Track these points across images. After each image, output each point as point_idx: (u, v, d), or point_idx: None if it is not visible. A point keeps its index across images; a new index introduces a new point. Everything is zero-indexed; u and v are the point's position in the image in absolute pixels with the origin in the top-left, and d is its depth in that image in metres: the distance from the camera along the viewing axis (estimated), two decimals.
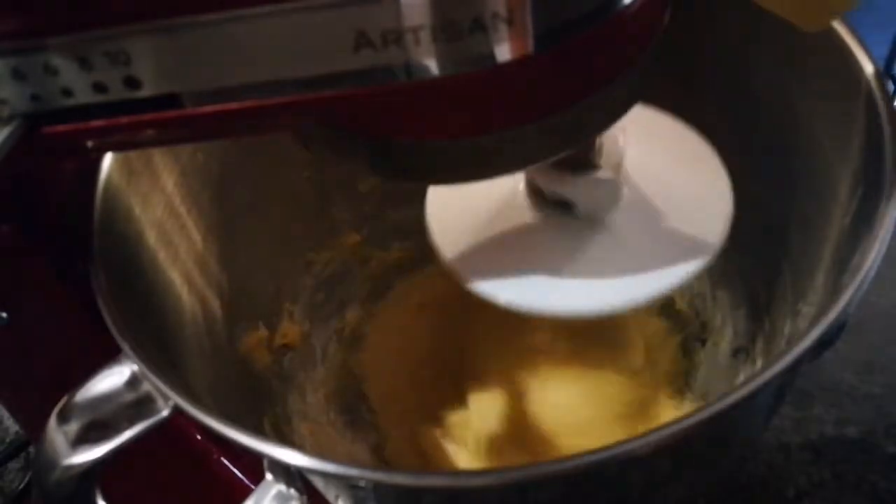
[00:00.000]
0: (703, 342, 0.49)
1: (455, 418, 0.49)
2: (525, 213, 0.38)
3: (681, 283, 0.35)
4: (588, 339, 0.50)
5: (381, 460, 0.49)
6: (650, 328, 0.51)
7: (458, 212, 0.39)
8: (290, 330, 0.52)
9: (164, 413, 0.33)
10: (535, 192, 0.38)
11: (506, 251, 0.38)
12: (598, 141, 0.34)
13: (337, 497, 0.32)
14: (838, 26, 0.35)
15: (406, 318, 0.55)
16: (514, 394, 0.49)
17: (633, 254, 0.37)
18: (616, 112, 0.29)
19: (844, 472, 0.46)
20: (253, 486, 0.32)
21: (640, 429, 0.38)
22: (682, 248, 0.36)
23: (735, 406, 0.27)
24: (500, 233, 0.39)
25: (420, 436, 0.49)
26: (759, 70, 0.41)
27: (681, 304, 0.51)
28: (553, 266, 0.37)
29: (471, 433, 0.48)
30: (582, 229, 0.37)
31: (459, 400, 0.50)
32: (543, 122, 0.26)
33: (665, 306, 0.52)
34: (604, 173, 0.36)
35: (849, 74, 0.34)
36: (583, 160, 0.35)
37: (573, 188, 0.36)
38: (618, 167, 0.36)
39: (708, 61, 0.43)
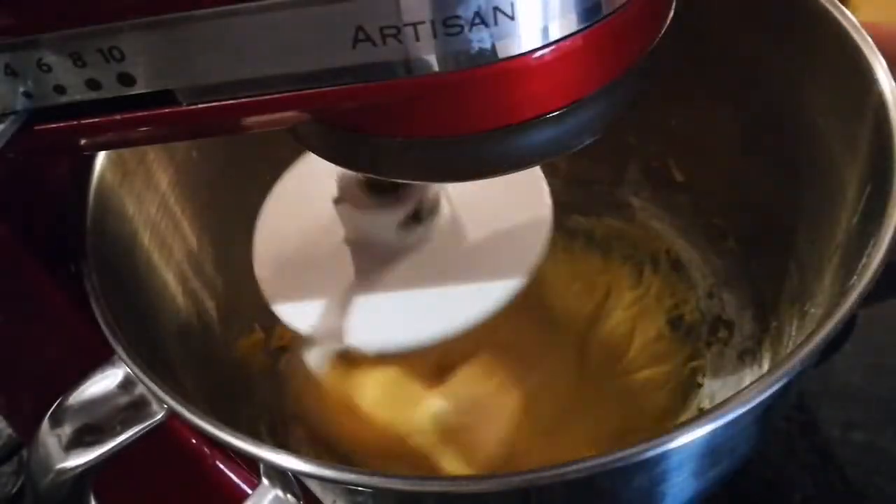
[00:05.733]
0: (710, 344, 0.49)
1: (448, 418, 0.49)
2: (340, 242, 0.39)
3: (492, 311, 0.36)
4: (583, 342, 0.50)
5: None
6: (655, 330, 0.51)
7: (282, 240, 0.40)
8: (286, 332, 0.51)
9: (159, 416, 0.32)
10: (350, 220, 0.38)
11: (319, 281, 0.38)
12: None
13: (334, 502, 0.31)
14: (848, 26, 0.35)
15: None
16: (508, 394, 0.48)
17: (446, 281, 0.37)
18: (620, 110, 0.28)
19: (852, 477, 0.46)
20: (249, 491, 0.32)
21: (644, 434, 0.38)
22: (495, 274, 0.37)
23: (741, 411, 0.26)
24: (330, 281, 0.39)
25: (409, 440, 0.48)
26: (769, 70, 0.41)
27: (687, 307, 0.51)
28: (365, 299, 0.37)
29: (463, 436, 0.48)
30: (396, 257, 0.38)
31: (451, 399, 0.49)
32: (544, 120, 0.26)
33: (671, 309, 0.51)
34: (408, 208, 0.36)
35: (858, 74, 0.34)
36: (390, 192, 0.36)
37: (386, 217, 0.36)
38: (428, 199, 0.37)
39: (716, 61, 0.43)
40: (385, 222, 0.36)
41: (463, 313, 0.36)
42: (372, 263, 0.38)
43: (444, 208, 0.38)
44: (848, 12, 0.35)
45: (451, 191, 0.38)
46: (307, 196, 0.39)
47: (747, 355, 0.45)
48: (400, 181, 0.35)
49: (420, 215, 0.37)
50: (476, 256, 0.38)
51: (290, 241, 0.40)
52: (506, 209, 0.39)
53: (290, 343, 0.51)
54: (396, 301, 0.37)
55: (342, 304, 0.38)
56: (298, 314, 0.38)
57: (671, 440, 0.26)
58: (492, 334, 0.45)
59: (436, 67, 0.23)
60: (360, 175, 0.36)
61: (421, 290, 0.37)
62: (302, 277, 0.39)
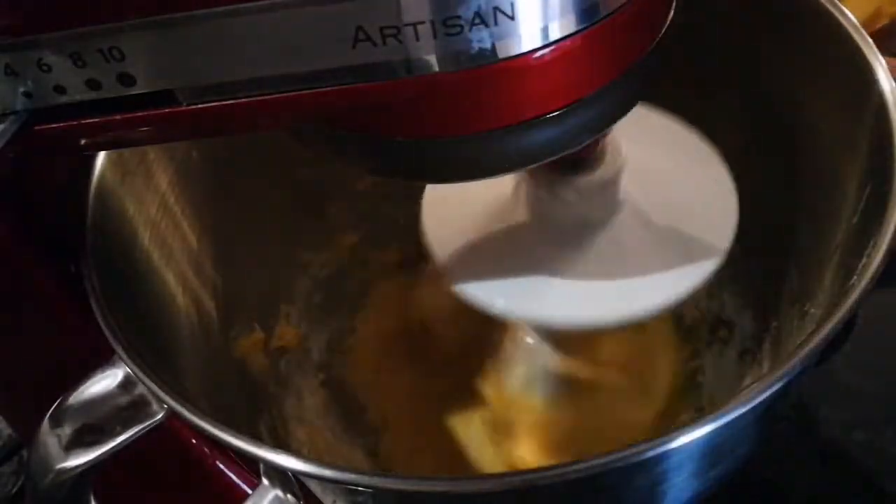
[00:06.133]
0: (710, 344, 0.49)
1: (454, 419, 0.49)
2: (522, 215, 0.38)
3: (684, 295, 0.35)
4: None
5: (379, 464, 0.49)
6: (655, 331, 0.51)
7: (455, 214, 0.39)
8: (286, 332, 0.51)
9: (159, 416, 0.32)
10: (534, 194, 0.37)
11: (501, 256, 0.37)
12: (599, 142, 0.34)
13: (334, 502, 0.31)
14: (848, 26, 0.35)
15: (402, 320, 0.55)
16: (518, 395, 0.48)
17: (634, 261, 0.36)
18: (620, 110, 0.28)
19: (852, 476, 0.46)
20: (249, 491, 0.32)
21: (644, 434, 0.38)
22: (685, 256, 0.36)
23: (741, 412, 0.27)
24: (496, 237, 0.38)
25: (417, 438, 0.48)
26: (768, 70, 0.41)
27: (687, 307, 0.51)
28: (549, 273, 0.36)
29: (471, 434, 0.48)
30: (581, 234, 0.37)
31: (457, 401, 0.49)
32: (546, 120, 0.26)
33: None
34: (604, 175, 0.35)
35: (858, 74, 0.35)
36: (583, 161, 0.34)
37: (573, 190, 0.35)
38: (619, 169, 0.35)
39: (716, 61, 0.43)
40: (587, 187, 0.35)
41: (646, 300, 0.35)
42: (555, 241, 0.37)
43: (626, 188, 0.37)
44: (848, 12, 0.36)
45: (633, 171, 0.36)
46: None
47: (747, 355, 0.45)
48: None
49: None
50: (664, 238, 0.37)
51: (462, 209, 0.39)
52: (690, 193, 0.38)
53: (290, 343, 0.51)
54: (582, 279, 0.36)
55: (511, 270, 0.37)
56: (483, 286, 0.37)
57: (671, 440, 0.26)
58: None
59: (436, 67, 0.23)
60: None
61: (607, 269, 0.36)
62: (482, 253, 0.38)
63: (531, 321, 0.36)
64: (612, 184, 0.35)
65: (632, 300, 0.35)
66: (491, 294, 0.36)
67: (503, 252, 0.37)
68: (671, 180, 0.38)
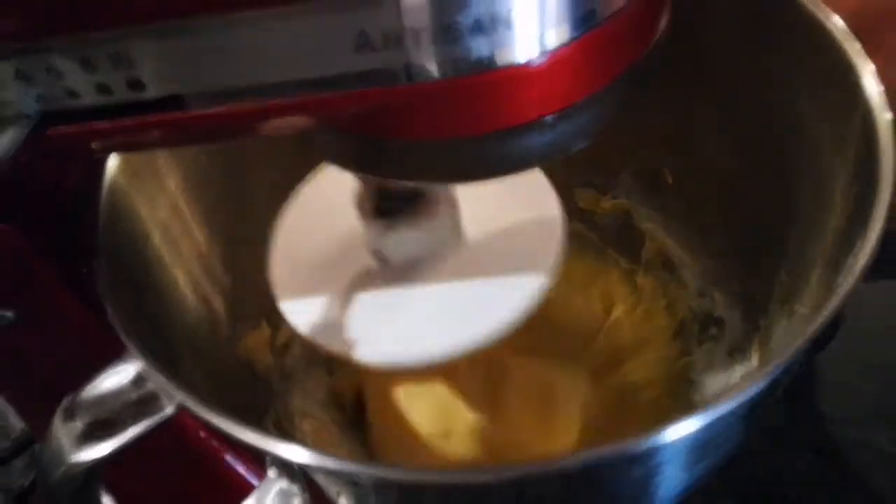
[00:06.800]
0: (701, 342, 0.49)
1: (454, 416, 0.49)
2: (365, 259, 0.38)
3: (522, 318, 0.35)
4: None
5: (377, 457, 0.49)
6: (648, 327, 0.51)
7: (303, 261, 0.39)
8: (291, 329, 0.51)
9: (169, 411, 0.33)
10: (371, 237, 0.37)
11: (348, 306, 0.38)
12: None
13: (339, 494, 0.32)
14: (837, 32, 0.35)
15: None
16: (521, 391, 0.49)
17: (466, 295, 0.37)
18: (612, 114, 0.28)
19: (846, 472, 0.46)
20: (257, 483, 0.32)
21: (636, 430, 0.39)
22: (520, 270, 0.36)
23: (732, 407, 0.27)
24: (342, 286, 0.38)
25: (416, 434, 0.49)
26: (760, 77, 0.41)
27: (679, 305, 0.51)
28: (391, 315, 0.37)
29: (470, 430, 0.48)
30: (420, 270, 0.37)
31: (459, 397, 0.50)
32: (540, 124, 0.26)
33: (663, 307, 0.52)
34: (414, 227, 0.36)
35: (847, 80, 0.35)
36: (395, 210, 0.35)
37: (385, 242, 0.36)
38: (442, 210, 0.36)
39: (708, 67, 0.43)
40: (379, 234, 0.36)
41: (493, 321, 0.35)
42: (388, 273, 0.38)
43: (451, 218, 0.37)
44: (837, 18, 0.36)
45: (459, 199, 0.37)
46: (330, 203, 0.39)
47: (737, 352, 0.45)
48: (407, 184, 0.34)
49: (419, 223, 0.36)
50: (494, 261, 0.37)
51: (308, 245, 0.39)
52: (513, 211, 0.38)
53: (294, 340, 0.51)
54: (415, 312, 0.37)
55: (353, 312, 0.37)
56: (304, 315, 0.37)
57: (662, 435, 0.27)
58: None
59: (436, 74, 0.23)
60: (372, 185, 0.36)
61: (444, 299, 0.37)
62: (316, 280, 0.38)
63: (379, 366, 0.37)
64: (421, 236, 0.36)
65: (473, 328, 0.35)
66: (339, 346, 0.36)
67: (349, 303, 0.38)
68: (499, 208, 0.38)
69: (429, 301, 0.37)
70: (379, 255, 0.37)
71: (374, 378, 0.51)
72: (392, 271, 0.38)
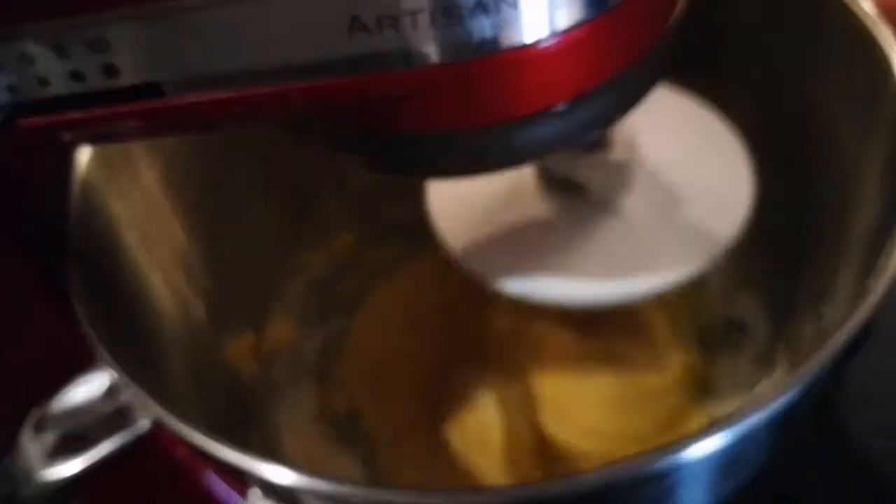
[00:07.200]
0: (722, 348, 0.49)
1: (452, 426, 0.48)
2: (534, 197, 0.39)
3: (690, 276, 0.36)
4: (604, 334, 0.49)
5: (374, 474, 0.48)
6: (667, 333, 0.50)
7: (462, 200, 0.40)
8: (278, 335, 0.51)
9: (145, 425, 0.32)
10: (545, 175, 0.38)
11: (513, 240, 0.39)
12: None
13: None
14: (865, 19, 0.35)
15: (398, 321, 0.54)
16: (520, 397, 0.48)
17: (645, 242, 0.37)
18: (626, 104, 0.28)
19: (872, 484, 0.45)
20: (240, 501, 0.31)
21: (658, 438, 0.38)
22: (696, 238, 0.37)
23: (757, 419, 0.26)
24: (507, 221, 0.39)
25: (415, 446, 0.48)
26: (783, 65, 0.41)
27: (699, 309, 0.51)
28: (563, 255, 0.37)
29: (471, 441, 0.47)
30: (593, 215, 0.38)
31: (456, 406, 0.49)
32: (549, 114, 0.25)
33: (683, 311, 0.51)
34: (617, 154, 0.36)
35: (875, 69, 0.34)
36: (595, 140, 0.35)
37: (585, 170, 0.36)
38: (631, 148, 0.36)
39: (730, 55, 0.43)
40: (598, 167, 0.36)
41: (655, 279, 0.36)
42: (572, 219, 0.38)
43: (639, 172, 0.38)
44: (865, 5, 0.35)
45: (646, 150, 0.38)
46: None
47: (761, 359, 0.45)
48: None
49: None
50: (673, 222, 0.38)
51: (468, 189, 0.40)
52: (703, 172, 0.39)
53: (282, 347, 0.51)
54: (577, 253, 0.37)
55: (513, 245, 0.38)
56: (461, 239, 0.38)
57: (681, 450, 0.26)
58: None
59: (435, 58, 0.22)
60: None
61: (617, 251, 0.37)
62: (478, 215, 0.39)
63: (545, 303, 0.37)
64: (623, 163, 0.37)
65: (636, 282, 0.36)
66: (505, 279, 0.37)
67: (515, 237, 0.39)
68: (687, 162, 0.39)
69: (594, 245, 0.38)
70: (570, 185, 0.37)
71: (371, 389, 0.51)
72: (560, 213, 0.38)
